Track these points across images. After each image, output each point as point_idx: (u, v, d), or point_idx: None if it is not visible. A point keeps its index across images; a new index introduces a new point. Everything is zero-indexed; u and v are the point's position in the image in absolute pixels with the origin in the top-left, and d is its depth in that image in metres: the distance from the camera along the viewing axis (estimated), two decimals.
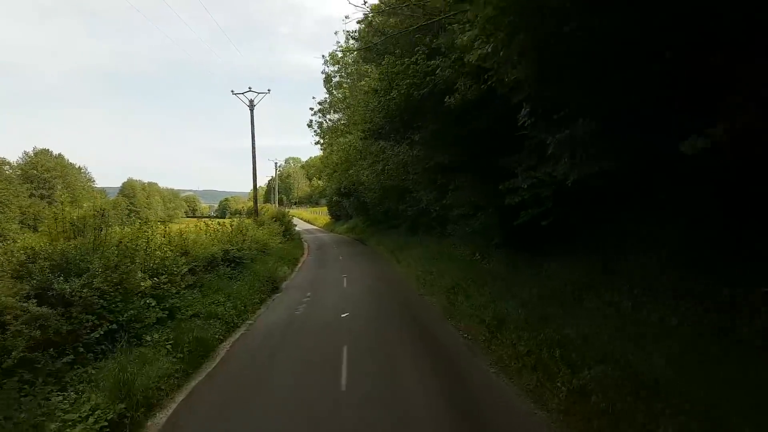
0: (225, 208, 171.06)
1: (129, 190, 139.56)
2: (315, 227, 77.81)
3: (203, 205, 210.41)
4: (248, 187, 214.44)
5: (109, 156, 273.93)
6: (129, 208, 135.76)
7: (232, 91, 32.65)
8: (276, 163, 75.73)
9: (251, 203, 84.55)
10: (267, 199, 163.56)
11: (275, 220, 38.08)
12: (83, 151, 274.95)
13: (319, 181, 72.47)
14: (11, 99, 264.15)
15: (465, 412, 7.30)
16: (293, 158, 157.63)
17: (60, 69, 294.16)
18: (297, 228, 76.43)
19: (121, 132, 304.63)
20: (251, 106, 32.49)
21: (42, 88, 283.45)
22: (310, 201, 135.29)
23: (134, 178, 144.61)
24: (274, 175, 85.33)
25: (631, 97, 7.27)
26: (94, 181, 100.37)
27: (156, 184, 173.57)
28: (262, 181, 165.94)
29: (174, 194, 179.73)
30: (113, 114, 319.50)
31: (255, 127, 32.58)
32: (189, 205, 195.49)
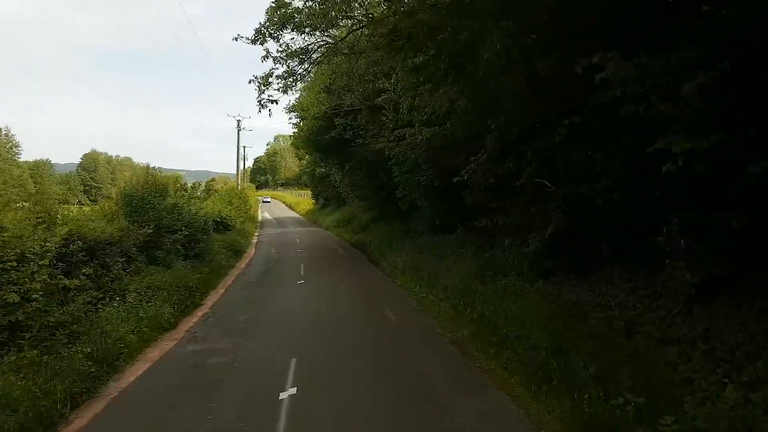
0: (210, 187, 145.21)
1: (90, 163, 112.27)
2: (294, 215, 52.03)
3: (189, 185, 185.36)
4: (234, 168, 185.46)
5: (98, 133, 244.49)
6: (88, 183, 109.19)
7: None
8: (239, 121, 49.41)
9: (234, 183, 60.11)
10: (253, 180, 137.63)
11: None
12: (70, 126, 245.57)
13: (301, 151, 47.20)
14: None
15: None
16: (282, 135, 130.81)
17: (50, 42, 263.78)
18: (267, 215, 50.90)
19: (109, 110, 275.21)
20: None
21: (30, 62, 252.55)
22: (298, 183, 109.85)
23: (98, 150, 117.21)
24: (260, 152, 59.14)
25: None
26: (18, 146, 72.84)
27: (130, 158, 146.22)
28: (249, 162, 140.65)
29: (150, 171, 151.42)
30: (101, 90, 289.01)
31: None
32: (174, 184, 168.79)
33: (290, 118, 22.84)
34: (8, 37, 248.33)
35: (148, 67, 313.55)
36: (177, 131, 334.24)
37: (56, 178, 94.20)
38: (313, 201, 50.37)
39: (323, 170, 35.87)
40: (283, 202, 77.94)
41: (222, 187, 47.44)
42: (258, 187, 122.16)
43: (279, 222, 41.26)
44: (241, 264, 17.82)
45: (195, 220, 15.78)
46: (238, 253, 20.04)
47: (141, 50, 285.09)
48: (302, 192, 79.06)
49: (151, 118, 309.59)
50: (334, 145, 19.60)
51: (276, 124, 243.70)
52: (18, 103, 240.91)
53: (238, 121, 49.63)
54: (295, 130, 22.93)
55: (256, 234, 30.42)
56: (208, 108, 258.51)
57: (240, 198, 35.29)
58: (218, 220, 23.63)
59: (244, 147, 77.25)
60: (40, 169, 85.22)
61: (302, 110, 21.75)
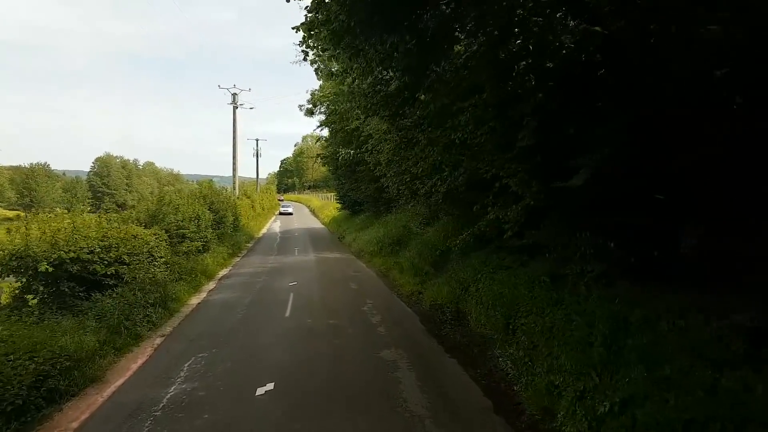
0: (244, 193, 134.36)
1: (103, 168, 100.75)
2: (315, 225, 36.55)
3: (228, 190, 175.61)
4: (265, 173, 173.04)
5: (134, 139, 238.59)
6: (99, 189, 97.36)
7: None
8: (235, 95, 34.23)
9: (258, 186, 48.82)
10: (280, 183, 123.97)
11: None
12: (99, 133, 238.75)
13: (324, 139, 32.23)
14: (35, 80, 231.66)
15: None
16: (312, 135, 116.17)
17: (83, 51, 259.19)
18: (276, 227, 35.17)
19: (144, 116, 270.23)
20: None
21: (66, 71, 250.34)
22: (327, 185, 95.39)
23: (112, 154, 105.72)
24: (282, 156, 44.68)
25: None
26: None
27: (152, 163, 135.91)
28: (274, 167, 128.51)
29: (174, 176, 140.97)
30: (134, 97, 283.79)
31: None
32: None
33: None
34: (52, 47, 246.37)
35: (179, 72, 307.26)
36: (209, 137, 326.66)
37: (59, 184, 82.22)
38: (338, 205, 34.70)
39: (351, 152, 20.13)
40: (308, 207, 64.10)
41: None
42: (285, 191, 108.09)
43: (285, 239, 25.69)
44: None
45: None
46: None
47: (174, 56, 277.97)
48: (329, 194, 65.37)
49: (182, 125, 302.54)
50: None
51: (304, 128, 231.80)
52: (52, 110, 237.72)
53: (234, 95, 34.71)
54: None
55: (222, 274, 14.90)
56: (242, 117, 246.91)
57: (213, 203, 19.96)
58: (48, 268, 8.16)
59: (257, 140, 63.21)
60: (35, 174, 73.10)
61: None
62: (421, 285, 11.63)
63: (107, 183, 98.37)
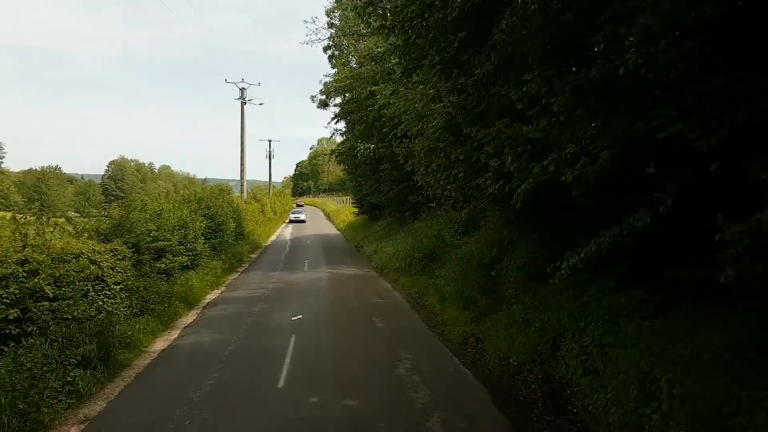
0: (253, 196, 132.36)
1: (117, 171, 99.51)
2: (329, 231, 33.16)
3: (236, 195, 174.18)
4: (280, 177, 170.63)
5: (151, 143, 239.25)
6: (113, 193, 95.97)
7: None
8: (243, 90, 31.20)
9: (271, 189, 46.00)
10: (296, 186, 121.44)
11: None
12: (116, 139, 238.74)
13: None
14: (56, 87, 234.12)
15: None
16: (326, 138, 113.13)
17: (101, 57, 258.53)
18: (287, 233, 31.42)
19: (163, 121, 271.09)
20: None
21: (85, 76, 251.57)
22: (342, 188, 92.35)
23: (127, 157, 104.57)
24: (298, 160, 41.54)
25: None
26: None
27: (168, 167, 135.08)
28: (290, 171, 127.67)
29: (191, 180, 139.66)
30: (153, 102, 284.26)
31: None
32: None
33: None
34: (63, 54, 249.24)
35: (198, 77, 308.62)
36: (227, 141, 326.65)
37: (71, 187, 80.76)
38: (355, 209, 31.38)
39: (371, 147, 16.71)
40: (323, 211, 61.12)
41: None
42: (300, 194, 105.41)
43: (295, 248, 22.41)
44: None
45: None
46: None
47: (194, 61, 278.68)
48: (344, 198, 62.34)
49: (201, 129, 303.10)
50: None
51: (320, 131, 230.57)
52: (70, 115, 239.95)
53: (242, 89, 31.75)
54: None
55: (209, 299, 11.61)
56: (255, 119, 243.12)
57: (209, 207, 16.77)
58: None
59: (269, 141, 61.33)
60: (46, 177, 71.57)
61: None
62: (475, 324, 8.15)
63: (121, 186, 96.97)
